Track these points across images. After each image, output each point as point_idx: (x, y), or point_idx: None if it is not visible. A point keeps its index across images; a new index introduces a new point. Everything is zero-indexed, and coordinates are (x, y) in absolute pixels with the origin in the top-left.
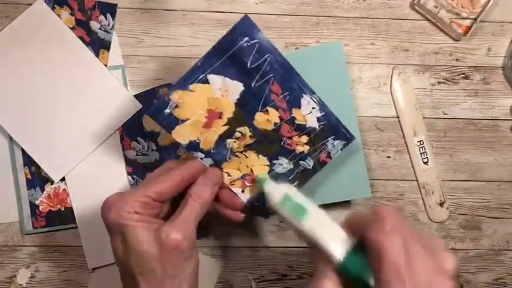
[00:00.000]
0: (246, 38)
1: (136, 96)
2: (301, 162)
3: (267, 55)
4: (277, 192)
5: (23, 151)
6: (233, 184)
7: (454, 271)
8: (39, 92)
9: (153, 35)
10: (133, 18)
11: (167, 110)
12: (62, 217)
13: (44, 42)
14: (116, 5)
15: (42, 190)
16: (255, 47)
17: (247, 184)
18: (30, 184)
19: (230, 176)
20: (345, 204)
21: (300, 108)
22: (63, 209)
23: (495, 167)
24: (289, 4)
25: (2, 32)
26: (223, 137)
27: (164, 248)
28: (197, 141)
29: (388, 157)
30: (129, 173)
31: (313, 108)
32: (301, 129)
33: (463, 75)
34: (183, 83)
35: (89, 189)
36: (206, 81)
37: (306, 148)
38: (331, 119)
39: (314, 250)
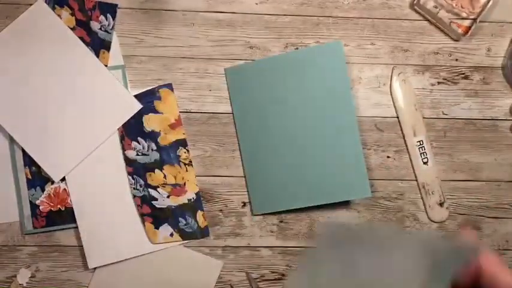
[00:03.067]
0: None
1: (137, 96)
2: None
3: None
4: None
5: (24, 151)
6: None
7: None
8: (39, 92)
9: (153, 35)
10: (133, 18)
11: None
12: (62, 217)
13: (44, 42)
14: (116, 5)
15: (43, 190)
16: None
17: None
18: (31, 184)
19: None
20: (345, 204)
21: None
22: (63, 209)
23: (495, 167)
24: (289, 4)
25: (2, 32)
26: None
27: None
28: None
29: (388, 157)
30: (129, 173)
31: None
32: None
33: (462, 76)
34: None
35: (89, 189)
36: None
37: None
38: None
39: None
